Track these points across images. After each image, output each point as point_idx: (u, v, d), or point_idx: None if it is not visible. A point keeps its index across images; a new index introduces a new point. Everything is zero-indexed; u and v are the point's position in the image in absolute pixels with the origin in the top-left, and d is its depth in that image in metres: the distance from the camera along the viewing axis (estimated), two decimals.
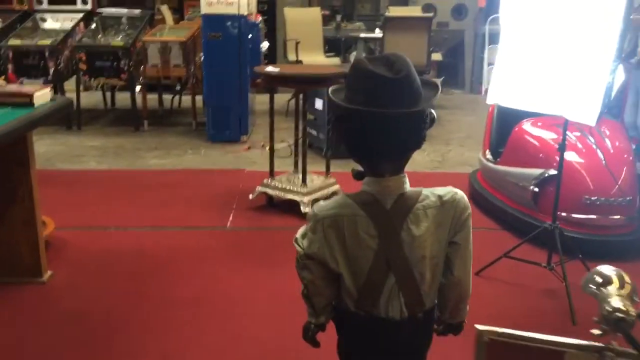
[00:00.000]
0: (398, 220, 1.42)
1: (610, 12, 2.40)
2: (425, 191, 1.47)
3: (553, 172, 3.51)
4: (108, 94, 7.17)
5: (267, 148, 5.56)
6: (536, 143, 3.75)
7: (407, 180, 1.45)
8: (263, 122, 6.56)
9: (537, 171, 3.58)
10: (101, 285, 3.12)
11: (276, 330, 2.70)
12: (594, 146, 3.61)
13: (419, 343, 1.51)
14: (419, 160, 5.22)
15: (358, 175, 1.49)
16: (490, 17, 8.27)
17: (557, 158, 3.50)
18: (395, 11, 6.60)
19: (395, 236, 1.41)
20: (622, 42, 2.30)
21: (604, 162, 3.51)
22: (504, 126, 4.16)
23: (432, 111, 1.42)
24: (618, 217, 3.45)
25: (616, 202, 3.42)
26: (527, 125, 3.86)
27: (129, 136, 6.07)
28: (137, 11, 6.84)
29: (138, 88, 6.22)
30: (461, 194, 1.47)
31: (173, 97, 7.19)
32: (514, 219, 3.75)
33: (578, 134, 3.68)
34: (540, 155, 3.65)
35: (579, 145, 3.60)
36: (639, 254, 3.42)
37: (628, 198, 3.46)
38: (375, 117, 1.35)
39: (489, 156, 4.17)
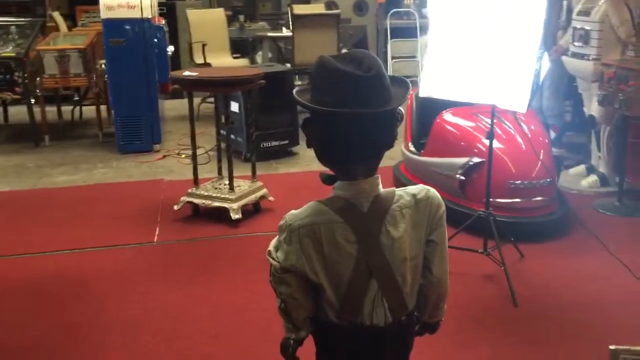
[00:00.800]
0: (376, 223, 1.37)
1: (534, 2, 2.48)
2: (398, 191, 1.42)
3: (477, 159, 3.61)
4: None
5: (184, 156, 5.40)
6: (458, 132, 3.83)
7: (380, 181, 1.40)
8: (174, 129, 6.35)
9: (461, 160, 3.66)
10: (23, 317, 2.86)
11: (226, 346, 2.59)
12: (512, 131, 3.74)
13: (402, 347, 1.47)
14: None
15: (328, 180, 1.42)
16: (391, 12, 8.45)
17: (480, 146, 3.62)
18: (299, 9, 6.56)
19: (374, 240, 1.36)
20: (547, 30, 2.37)
21: (523, 146, 3.65)
22: (425, 117, 4.23)
23: (400, 108, 1.38)
24: (540, 198, 3.60)
25: (538, 184, 3.57)
26: (447, 116, 3.94)
27: (29, 153, 5.65)
28: (26, 19, 6.38)
29: (33, 101, 5.81)
30: (434, 191, 1.45)
31: (73, 109, 6.79)
32: None
33: (495, 120, 3.78)
34: (463, 144, 3.74)
35: (499, 132, 3.70)
36: (562, 233, 3.60)
37: (548, 179, 3.61)
38: (350, 117, 1.30)
39: (412, 148, 4.23)
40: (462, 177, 3.64)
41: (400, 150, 4.47)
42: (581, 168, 4.59)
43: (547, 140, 3.79)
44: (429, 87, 2.98)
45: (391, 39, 8.44)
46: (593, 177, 4.39)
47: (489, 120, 3.74)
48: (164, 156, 5.48)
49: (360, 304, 1.37)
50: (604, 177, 4.36)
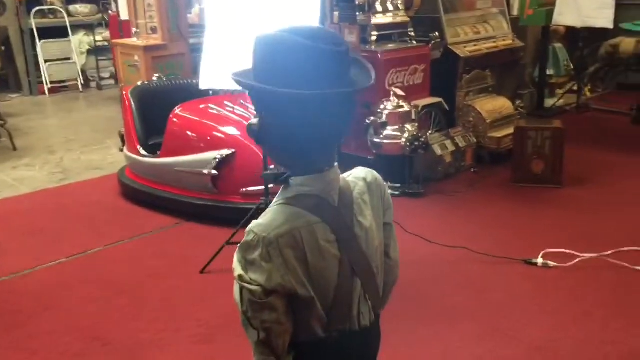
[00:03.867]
0: (348, 216, 1.23)
1: None
2: (349, 178, 1.31)
3: (227, 152, 3.51)
4: None
5: None
6: (200, 127, 3.66)
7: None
8: None
9: (210, 155, 3.51)
10: None
11: None
12: (248, 116, 3.73)
13: (379, 343, 1.37)
14: (38, 177, 4.47)
15: (279, 179, 1.22)
16: (34, 10, 7.52)
17: (224, 137, 3.57)
18: None
19: (351, 234, 1.22)
20: (324, 9, 2.43)
21: None
22: (148, 117, 3.96)
23: None
24: None
25: None
26: (181, 111, 3.73)
27: None
28: None
29: None
30: (375, 172, 1.37)
31: None
32: (194, 207, 3.61)
33: (228, 109, 3.73)
34: (209, 138, 3.60)
35: (236, 119, 3.64)
36: None
37: None
38: (330, 99, 1.12)
39: (142, 152, 3.88)
40: (215, 172, 3.50)
41: (124, 155, 4.08)
42: None
43: None
44: (209, 79, 2.77)
45: (40, 40, 7.55)
46: None
47: (222, 110, 3.73)
48: None
49: (350, 308, 1.23)
50: None
